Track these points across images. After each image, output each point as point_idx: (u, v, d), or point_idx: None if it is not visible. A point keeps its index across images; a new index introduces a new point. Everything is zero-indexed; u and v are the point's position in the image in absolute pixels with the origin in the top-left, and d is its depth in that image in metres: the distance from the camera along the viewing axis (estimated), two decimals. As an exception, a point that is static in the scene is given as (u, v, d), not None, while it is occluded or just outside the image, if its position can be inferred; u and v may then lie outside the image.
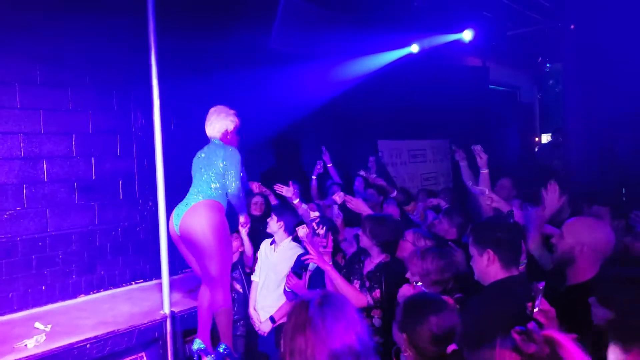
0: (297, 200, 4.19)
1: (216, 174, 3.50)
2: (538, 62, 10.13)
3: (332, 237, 3.27)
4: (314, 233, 3.28)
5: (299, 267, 3.45)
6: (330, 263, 3.12)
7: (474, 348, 1.81)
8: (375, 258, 3.15)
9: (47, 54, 4.30)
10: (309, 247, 3.07)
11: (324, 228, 3.27)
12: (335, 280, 2.98)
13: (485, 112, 9.03)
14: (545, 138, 11.63)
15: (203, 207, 3.39)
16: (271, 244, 3.95)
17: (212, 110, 3.74)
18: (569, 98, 6.76)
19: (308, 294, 1.45)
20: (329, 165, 5.71)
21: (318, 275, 3.37)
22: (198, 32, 5.23)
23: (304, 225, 3.62)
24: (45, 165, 4.32)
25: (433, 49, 7.52)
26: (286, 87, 5.90)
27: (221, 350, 3.55)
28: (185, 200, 3.53)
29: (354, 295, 2.94)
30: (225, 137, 3.67)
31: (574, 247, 2.35)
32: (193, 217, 3.36)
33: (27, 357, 3.14)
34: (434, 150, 9.19)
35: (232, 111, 3.76)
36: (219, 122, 3.67)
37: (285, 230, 3.88)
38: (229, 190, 3.49)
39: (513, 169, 7.03)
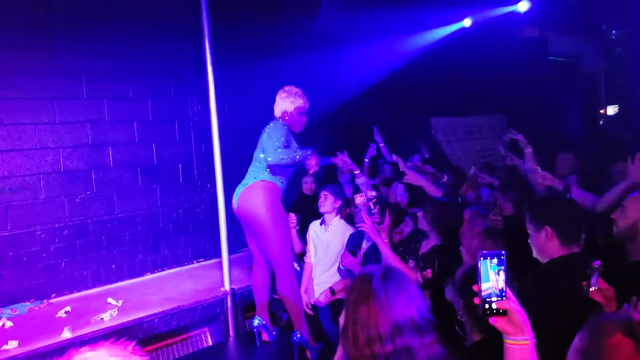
0: (358, 170, 4.18)
1: (264, 150, 3.50)
2: (603, 29, 9.52)
3: (389, 216, 3.29)
4: (369, 212, 3.32)
5: (353, 245, 3.51)
6: (387, 240, 3.15)
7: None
8: (432, 241, 3.16)
9: (109, 47, 4.55)
10: (363, 215, 3.11)
11: (378, 207, 3.31)
12: (384, 252, 3.01)
13: (545, 84, 8.65)
14: (612, 109, 10.99)
15: (258, 188, 3.44)
16: (321, 224, 4.00)
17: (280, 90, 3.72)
18: (636, 66, 6.35)
19: (370, 268, 1.45)
20: (380, 145, 5.70)
21: (372, 254, 3.41)
22: (248, 19, 5.36)
23: (362, 193, 3.67)
24: (110, 152, 4.61)
25: (487, 22, 7.25)
26: (336, 68, 5.92)
27: (296, 339, 3.52)
28: (244, 180, 3.59)
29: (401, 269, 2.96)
30: (284, 117, 3.65)
31: (637, 222, 2.26)
32: (249, 197, 3.44)
33: (103, 329, 3.43)
34: (490, 127, 8.93)
35: (295, 90, 3.69)
36: (280, 102, 3.67)
37: (338, 210, 3.95)
38: (268, 159, 3.40)
39: (576, 142, 6.73)
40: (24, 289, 4.07)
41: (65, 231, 4.33)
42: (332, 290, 3.81)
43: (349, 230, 3.85)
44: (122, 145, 4.68)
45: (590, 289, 1.81)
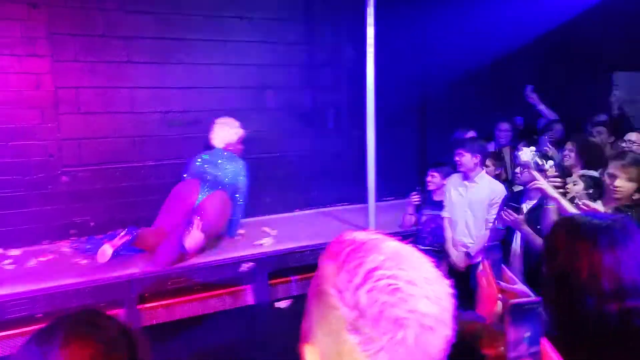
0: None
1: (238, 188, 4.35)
2: None
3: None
4: (539, 169, 3.22)
5: (514, 201, 3.58)
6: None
7: None
8: None
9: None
10: (534, 173, 3.11)
11: (551, 164, 3.24)
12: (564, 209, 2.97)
13: None
14: None
15: (226, 200, 4.21)
16: (464, 180, 4.09)
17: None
18: None
19: (598, 216, 1.43)
20: (540, 108, 5.61)
21: (536, 214, 3.36)
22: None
23: (529, 148, 3.44)
24: (270, 94, 5.24)
25: None
26: (500, 15, 5.78)
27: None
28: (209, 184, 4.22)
29: None
30: (227, 148, 4.42)
31: None
32: (215, 203, 4.08)
33: (262, 252, 4.15)
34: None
35: (231, 120, 4.48)
36: (219, 132, 4.46)
37: (480, 164, 4.05)
38: (240, 201, 4.41)
39: None
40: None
41: (229, 164, 5.09)
42: (468, 255, 3.99)
43: (497, 185, 3.98)
44: (282, 89, 5.28)
45: None
